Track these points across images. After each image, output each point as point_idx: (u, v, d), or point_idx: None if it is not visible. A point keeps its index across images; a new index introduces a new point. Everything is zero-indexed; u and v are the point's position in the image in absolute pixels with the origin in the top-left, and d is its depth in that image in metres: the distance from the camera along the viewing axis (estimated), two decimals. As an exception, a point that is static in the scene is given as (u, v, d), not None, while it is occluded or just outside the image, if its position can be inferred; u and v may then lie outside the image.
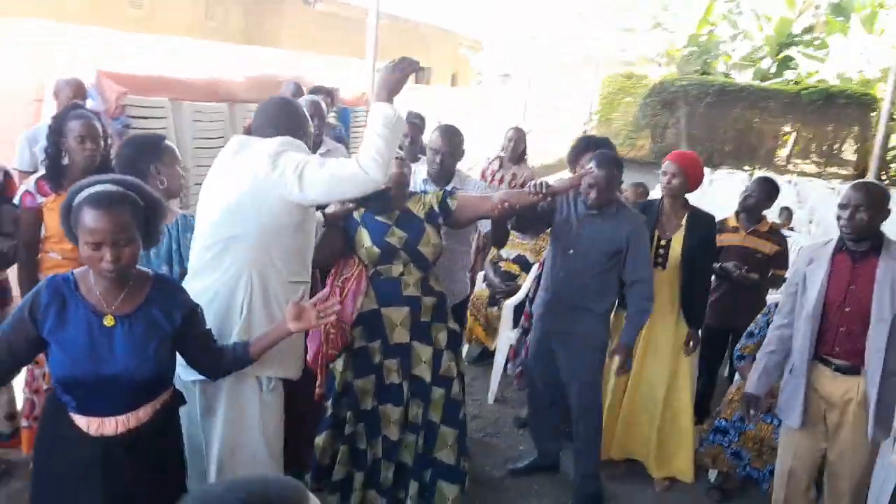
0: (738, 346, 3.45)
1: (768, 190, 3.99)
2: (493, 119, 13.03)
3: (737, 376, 3.65)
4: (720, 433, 3.38)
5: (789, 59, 18.63)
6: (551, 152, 13.64)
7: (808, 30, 18.84)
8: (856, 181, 2.75)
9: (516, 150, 5.23)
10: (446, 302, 2.92)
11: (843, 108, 16.54)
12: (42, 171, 2.88)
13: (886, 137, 12.70)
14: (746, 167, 14.77)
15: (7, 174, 3.04)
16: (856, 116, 16.62)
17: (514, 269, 4.56)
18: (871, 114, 16.16)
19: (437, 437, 2.84)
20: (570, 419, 3.33)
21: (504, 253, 4.63)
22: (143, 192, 1.82)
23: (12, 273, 3.01)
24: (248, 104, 5.97)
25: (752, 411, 2.85)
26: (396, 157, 2.79)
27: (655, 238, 3.38)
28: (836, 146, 17.44)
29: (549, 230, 3.27)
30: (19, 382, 3.02)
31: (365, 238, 2.72)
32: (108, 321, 1.76)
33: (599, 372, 3.26)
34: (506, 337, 4.26)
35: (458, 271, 3.38)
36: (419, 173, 3.40)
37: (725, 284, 3.91)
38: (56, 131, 2.82)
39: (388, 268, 2.73)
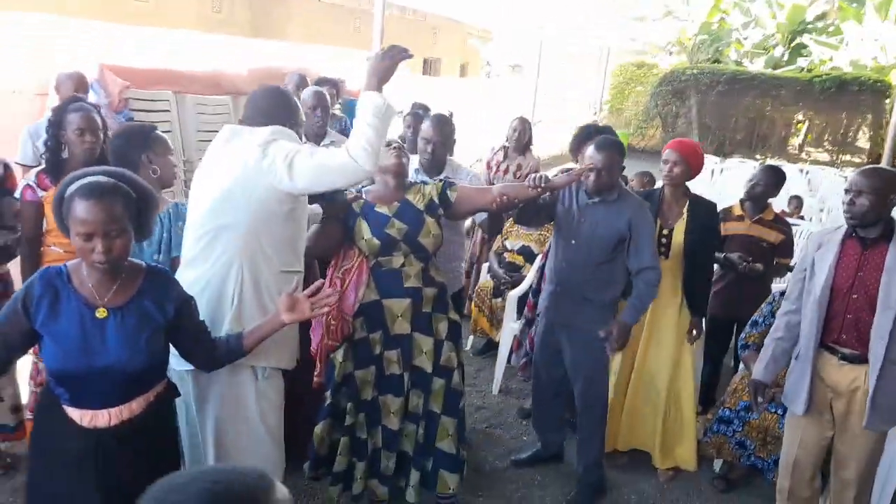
0: (742, 335, 3.41)
1: (775, 178, 3.95)
2: (501, 110, 12.97)
3: (741, 366, 3.62)
4: (724, 423, 3.36)
5: (802, 46, 18.45)
6: (560, 142, 13.57)
7: (821, 17, 18.64)
8: (865, 167, 2.68)
9: (521, 140, 5.23)
10: (447, 292, 2.91)
11: (857, 95, 16.36)
12: (43, 165, 2.90)
13: (901, 124, 12.54)
14: (758, 156, 14.66)
15: (7, 167, 3.04)
16: (869, 104, 16.44)
17: (519, 260, 4.54)
18: (885, 101, 15.99)
19: (438, 426, 2.84)
20: (574, 409, 3.32)
21: (508, 244, 4.62)
22: (136, 184, 1.82)
23: (15, 267, 3.01)
24: (251, 97, 5.97)
25: (758, 398, 2.81)
26: (395, 147, 2.78)
27: (658, 227, 3.34)
28: (849, 134, 17.27)
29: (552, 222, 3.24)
30: (24, 375, 3.05)
31: (364, 229, 2.70)
32: (101, 313, 1.76)
33: (604, 363, 3.24)
34: (509, 328, 4.25)
35: (451, 261, 3.36)
36: (413, 163, 3.39)
37: (730, 274, 3.87)
38: (55, 124, 2.83)
39: (389, 259, 2.72)
